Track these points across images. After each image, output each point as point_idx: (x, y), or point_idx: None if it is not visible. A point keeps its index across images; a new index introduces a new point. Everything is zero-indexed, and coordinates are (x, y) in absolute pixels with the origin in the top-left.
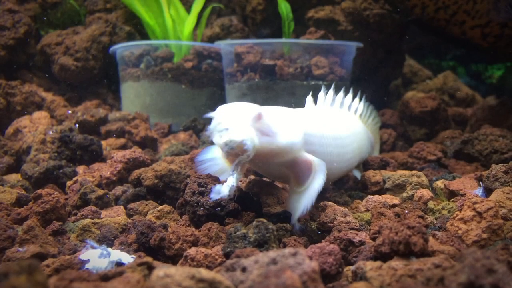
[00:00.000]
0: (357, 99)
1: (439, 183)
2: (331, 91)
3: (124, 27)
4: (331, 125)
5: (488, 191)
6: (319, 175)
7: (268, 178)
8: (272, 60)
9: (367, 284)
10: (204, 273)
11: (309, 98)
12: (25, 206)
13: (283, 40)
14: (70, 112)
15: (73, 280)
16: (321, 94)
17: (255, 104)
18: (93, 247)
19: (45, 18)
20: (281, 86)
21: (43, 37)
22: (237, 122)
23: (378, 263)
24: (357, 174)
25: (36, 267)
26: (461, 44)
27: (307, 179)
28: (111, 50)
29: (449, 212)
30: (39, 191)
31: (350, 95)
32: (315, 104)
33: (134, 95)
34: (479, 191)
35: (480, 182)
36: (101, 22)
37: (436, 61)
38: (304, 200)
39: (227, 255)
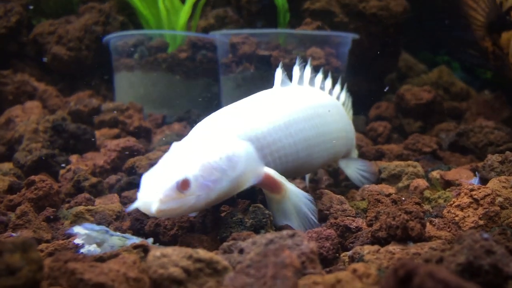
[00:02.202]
0: (338, 85)
1: (435, 174)
2: (308, 67)
3: (117, 16)
4: (305, 103)
5: (483, 181)
6: (285, 185)
7: None
8: (267, 51)
9: (366, 265)
10: (201, 253)
11: (278, 74)
12: (17, 193)
13: (278, 30)
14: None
15: (68, 260)
16: (295, 70)
17: (184, 160)
18: (87, 229)
19: (31, 7)
20: None
21: (35, 26)
22: (158, 203)
23: (375, 247)
24: (346, 167)
25: (31, 245)
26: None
27: (278, 186)
28: (105, 40)
29: (445, 201)
30: (32, 177)
31: (329, 79)
32: (291, 81)
33: (128, 86)
34: (474, 181)
35: (476, 172)
36: (94, 11)
37: (431, 55)
38: (300, 214)
39: (223, 240)
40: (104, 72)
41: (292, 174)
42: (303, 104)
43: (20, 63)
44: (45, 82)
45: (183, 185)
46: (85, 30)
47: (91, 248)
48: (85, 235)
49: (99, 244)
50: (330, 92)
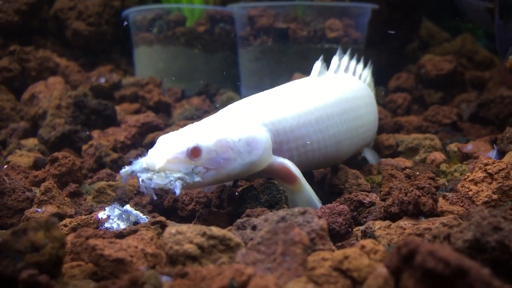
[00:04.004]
0: (367, 68)
1: (453, 146)
2: (346, 57)
3: None
4: (340, 96)
5: (501, 154)
6: (300, 180)
7: None
8: (285, 23)
9: (374, 241)
10: (215, 230)
11: (317, 65)
12: (42, 169)
13: (296, 2)
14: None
15: (89, 237)
16: (334, 59)
17: (202, 131)
18: (115, 208)
19: None
20: (294, 50)
21: (56, 2)
22: (165, 162)
23: (386, 222)
24: (370, 156)
25: (53, 223)
26: None
27: (293, 179)
28: (124, 15)
29: (461, 174)
30: (55, 154)
31: (361, 63)
32: (327, 70)
33: (147, 60)
34: (492, 153)
35: (494, 145)
36: None
37: (454, 23)
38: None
39: (239, 216)
40: (124, 46)
41: (317, 167)
42: (337, 97)
43: (41, 39)
44: (66, 58)
45: (194, 152)
46: (104, 5)
47: (114, 225)
48: (116, 215)
49: (125, 218)
50: (360, 78)
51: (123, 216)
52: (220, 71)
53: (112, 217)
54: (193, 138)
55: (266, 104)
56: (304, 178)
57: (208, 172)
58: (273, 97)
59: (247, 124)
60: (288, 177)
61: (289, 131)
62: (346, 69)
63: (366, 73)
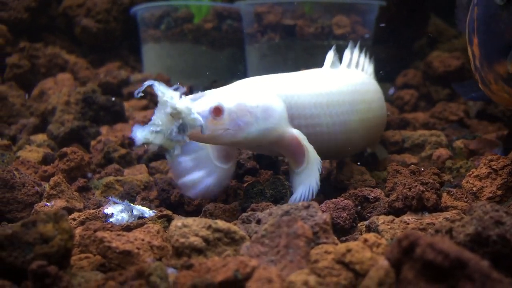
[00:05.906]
0: (371, 64)
1: (459, 143)
2: (356, 51)
3: None
4: (352, 87)
5: (507, 150)
6: (311, 153)
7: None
8: (292, 20)
9: (376, 235)
10: (220, 223)
11: (329, 56)
12: (51, 164)
13: None
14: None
15: (97, 230)
16: (346, 53)
17: (225, 93)
18: (115, 203)
19: None
20: (301, 46)
21: None
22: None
23: (390, 217)
24: (378, 151)
25: (62, 216)
26: None
27: (302, 157)
28: (132, 12)
29: (466, 170)
30: (64, 149)
31: (368, 58)
32: (339, 63)
33: (155, 57)
34: (498, 150)
35: (500, 142)
36: None
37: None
38: (306, 182)
39: (244, 210)
40: (132, 43)
41: (326, 155)
42: (349, 88)
43: (51, 36)
44: (75, 55)
45: (216, 110)
46: (112, 2)
47: (119, 217)
48: (119, 211)
49: (128, 212)
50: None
51: (124, 208)
52: (227, 68)
53: (115, 213)
54: (216, 98)
55: (281, 80)
56: (314, 151)
57: (227, 132)
58: (287, 77)
59: (265, 92)
60: (298, 148)
61: (300, 107)
62: (357, 64)
63: (372, 69)
